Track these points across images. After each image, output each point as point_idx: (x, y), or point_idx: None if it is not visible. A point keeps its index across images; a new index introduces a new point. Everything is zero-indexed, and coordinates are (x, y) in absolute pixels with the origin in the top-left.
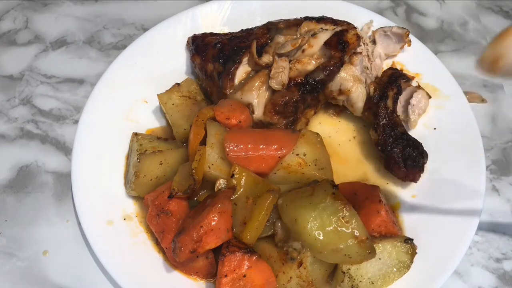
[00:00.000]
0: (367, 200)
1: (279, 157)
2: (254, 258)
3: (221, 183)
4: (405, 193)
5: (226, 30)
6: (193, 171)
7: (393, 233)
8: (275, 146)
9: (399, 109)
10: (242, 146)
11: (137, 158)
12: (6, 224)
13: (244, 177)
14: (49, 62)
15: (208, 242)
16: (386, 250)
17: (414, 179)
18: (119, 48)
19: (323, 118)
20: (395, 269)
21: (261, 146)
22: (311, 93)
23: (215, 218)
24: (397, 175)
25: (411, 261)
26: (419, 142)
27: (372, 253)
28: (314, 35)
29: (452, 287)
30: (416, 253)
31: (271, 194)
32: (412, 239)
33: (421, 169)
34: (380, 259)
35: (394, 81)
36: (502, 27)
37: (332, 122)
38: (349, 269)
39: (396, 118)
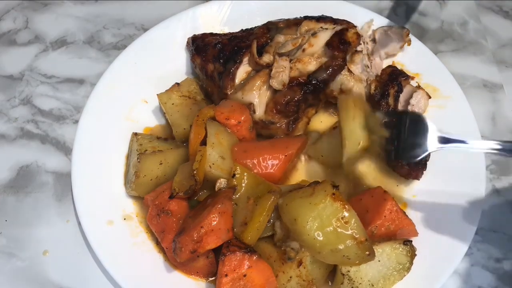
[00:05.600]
0: (373, 198)
1: (285, 155)
2: (255, 257)
3: (221, 182)
4: (406, 193)
5: (226, 30)
6: (195, 172)
7: (406, 223)
8: (280, 148)
9: (399, 109)
10: (248, 152)
11: (137, 158)
12: (6, 224)
13: (245, 177)
14: (49, 62)
15: (209, 242)
16: (385, 252)
17: (417, 176)
18: (119, 48)
19: (324, 117)
20: (395, 272)
21: (266, 150)
22: (314, 93)
23: (216, 218)
24: (400, 173)
25: (411, 263)
26: None
27: (371, 254)
28: (314, 34)
29: (452, 287)
30: (415, 255)
31: (272, 195)
32: (411, 241)
33: (424, 166)
34: (379, 261)
35: (394, 79)
36: (502, 27)
37: (333, 120)
38: (349, 271)
39: None
